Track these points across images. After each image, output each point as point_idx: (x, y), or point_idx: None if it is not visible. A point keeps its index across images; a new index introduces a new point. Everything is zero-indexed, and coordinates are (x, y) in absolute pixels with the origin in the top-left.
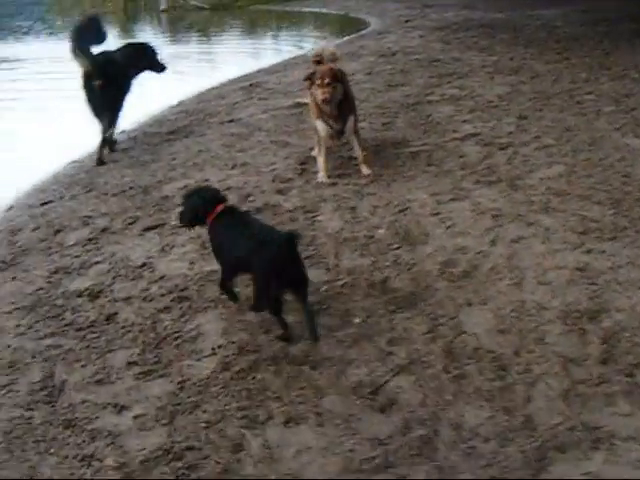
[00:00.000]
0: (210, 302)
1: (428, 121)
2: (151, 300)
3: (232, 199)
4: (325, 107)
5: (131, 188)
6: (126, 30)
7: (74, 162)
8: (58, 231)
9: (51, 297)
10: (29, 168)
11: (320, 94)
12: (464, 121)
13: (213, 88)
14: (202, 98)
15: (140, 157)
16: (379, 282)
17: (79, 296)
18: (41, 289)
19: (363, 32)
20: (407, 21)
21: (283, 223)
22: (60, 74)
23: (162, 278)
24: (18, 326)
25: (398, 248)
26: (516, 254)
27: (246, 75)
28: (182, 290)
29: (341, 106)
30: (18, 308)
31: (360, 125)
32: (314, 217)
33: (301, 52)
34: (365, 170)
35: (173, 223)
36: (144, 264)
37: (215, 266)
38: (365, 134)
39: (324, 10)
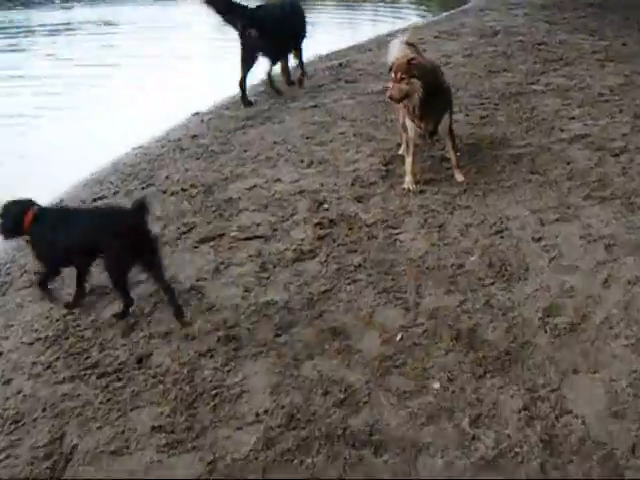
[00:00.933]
0: (261, 346)
1: (532, 116)
2: (193, 339)
3: (303, 205)
4: (395, 105)
5: (192, 186)
6: None
7: (139, 148)
8: None
9: (79, 326)
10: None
11: (388, 90)
12: (572, 118)
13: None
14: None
15: (210, 146)
16: (466, 331)
17: (111, 327)
18: (71, 314)
19: (465, 7)
20: None
21: (358, 242)
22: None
23: (210, 309)
24: (35, 364)
25: (492, 284)
26: (634, 300)
27: (337, 52)
28: (231, 327)
29: (431, 104)
30: (40, 339)
31: (456, 117)
32: (396, 235)
33: (399, 27)
34: (459, 177)
35: (233, 234)
36: (192, 288)
37: (272, 296)
38: (460, 129)
39: None
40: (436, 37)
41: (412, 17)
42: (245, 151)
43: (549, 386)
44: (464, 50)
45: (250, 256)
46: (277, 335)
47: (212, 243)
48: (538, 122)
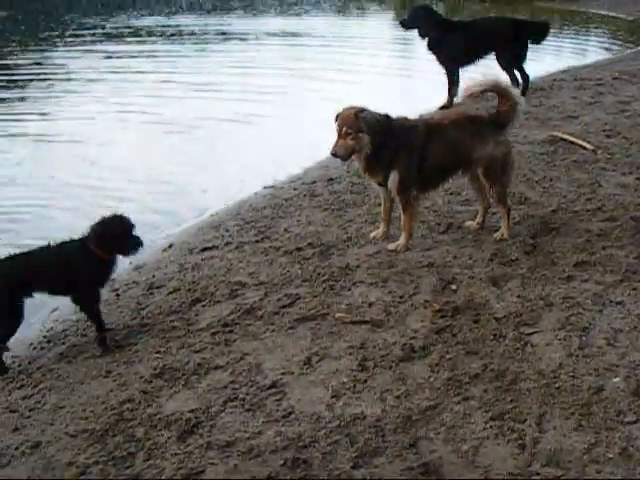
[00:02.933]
0: None
1: None
2: (257, 456)
3: (428, 283)
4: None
5: (309, 245)
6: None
7: (271, 187)
8: (196, 301)
9: (134, 420)
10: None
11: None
12: None
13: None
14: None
15: (343, 195)
16: None
17: (168, 427)
18: (129, 402)
19: None
20: None
21: (482, 341)
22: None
23: (286, 416)
24: (69, 466)
25: (634, 422)
26: None
27: None
28: (303, 447)
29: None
30: (86, 431)
31: (624, 181)
32: (528, 336)
33: (579, 63)
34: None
35: (339, 315)
36: (274, 384)
37: (363, 407)
38: (629, 196)
39: (612, 13)
40: (615, 78)
41: (597, 50)
42: (379, 204)
43: None
44: None
45: (351, 347)
46: (355, 466)
47: (312, 324)
48: None
